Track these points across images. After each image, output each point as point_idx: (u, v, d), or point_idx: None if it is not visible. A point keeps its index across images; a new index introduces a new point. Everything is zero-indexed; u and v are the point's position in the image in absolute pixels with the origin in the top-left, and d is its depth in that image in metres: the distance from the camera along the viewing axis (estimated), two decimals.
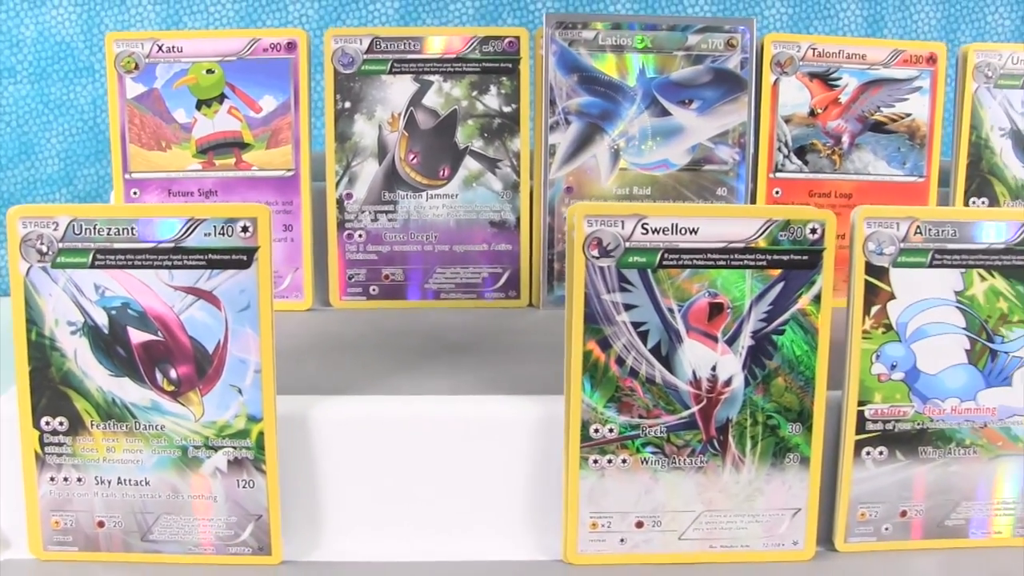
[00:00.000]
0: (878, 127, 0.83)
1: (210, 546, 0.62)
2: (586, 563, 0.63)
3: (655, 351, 0.62)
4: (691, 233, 0.61)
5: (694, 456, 0.64)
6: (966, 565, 0.65)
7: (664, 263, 0.62)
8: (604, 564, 0.63)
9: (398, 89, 0.80)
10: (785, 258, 0.62)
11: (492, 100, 0.81)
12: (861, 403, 0.65)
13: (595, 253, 0.61)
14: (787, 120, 0.82)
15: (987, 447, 0.67)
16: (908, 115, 0.83)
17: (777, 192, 0.82)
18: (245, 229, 0.59)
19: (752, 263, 0.62)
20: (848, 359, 0.64)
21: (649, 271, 0.62)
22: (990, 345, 0.66)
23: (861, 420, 0.65)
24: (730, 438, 0.64)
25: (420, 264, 0.82)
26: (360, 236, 0.81)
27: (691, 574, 0.63)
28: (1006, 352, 0.66)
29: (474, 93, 0.81)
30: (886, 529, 0.67)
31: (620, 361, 0.62)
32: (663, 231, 0.61)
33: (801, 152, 0.83)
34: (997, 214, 0.73)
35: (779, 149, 0.82)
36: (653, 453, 0.64)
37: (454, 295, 0.83)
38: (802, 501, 0.64)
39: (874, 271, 0.64)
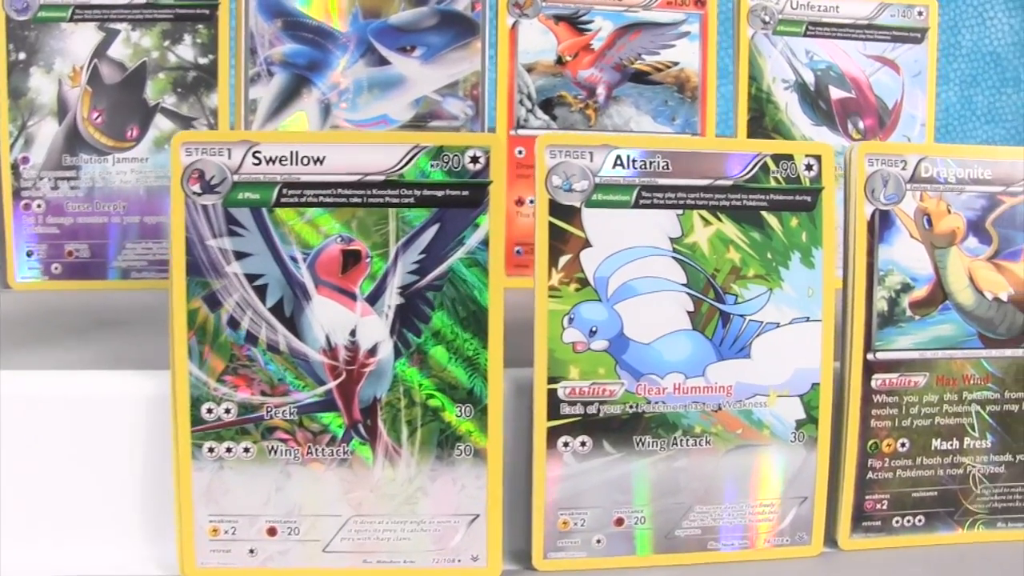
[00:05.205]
0: (640, 77, 0.71)
1: None
2: None
3: (277, 311, 0.50)
4: (316, 163, 0.50)
5: (335, 445, 0.51)
6: None
7: (283, 200, 0.50)
8: None
9: (80, 39, 0.69)
10: (439, 194, 0.50)
11: (186, 51, 0.71)
12: (553, 380, 0.52)
13: (196, 189, 0.50)
14: (529, 69, 0.70)
15: (723, 436, 0.54)
16: (675, 64, 0.71)
17: (520, 152, 0.70)
18: None
19: (396, 200, 0.51)
20: (535, 323, 0.53)
21: (264, 210, 0.50)
22: (720, 306, 0.54)
23: (554, 401, 0.52)
24: (380, 422, 0.51)
25: (108, 239, 0.71)
26: (39, 206, 0.70)
27: None
28: (741, 315, 0.54)
29: (166, 43, 0.70)
30: (598, 542, 0.53)
31: (234, 323, 0.50)
32: (280, 160, 0.50)
33: (548, 106, 0.71)
34: (721, 143, 0.59)
35: (521, 102, 0.70)
36: (283, 440, 0.51)
37: (147, 273, 0.71)
38: (480, 505, 0.51)
39: (561, 212, 0.52)
